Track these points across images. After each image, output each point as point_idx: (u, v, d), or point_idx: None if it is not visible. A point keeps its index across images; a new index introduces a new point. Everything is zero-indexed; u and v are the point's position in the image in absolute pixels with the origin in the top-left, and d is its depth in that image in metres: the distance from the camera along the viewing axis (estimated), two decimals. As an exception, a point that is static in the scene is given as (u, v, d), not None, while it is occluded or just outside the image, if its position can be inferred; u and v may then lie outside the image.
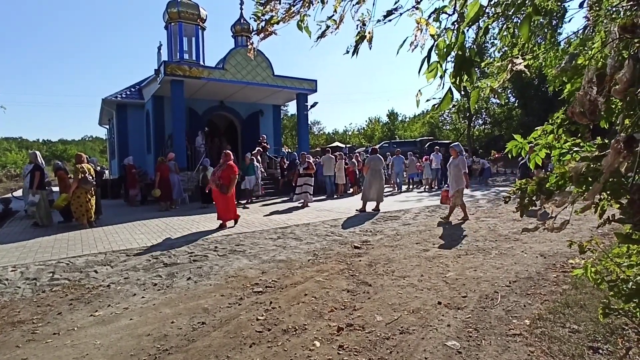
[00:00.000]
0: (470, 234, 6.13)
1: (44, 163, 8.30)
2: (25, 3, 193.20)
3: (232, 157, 7.26)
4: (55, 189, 9.59)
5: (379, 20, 1.88)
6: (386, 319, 2.95)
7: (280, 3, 1.93)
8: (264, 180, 12.72)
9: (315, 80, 15.21)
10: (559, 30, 17.44)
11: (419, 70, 1.65)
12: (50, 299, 3.60)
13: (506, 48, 3.31)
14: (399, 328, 2.79)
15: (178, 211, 9.73)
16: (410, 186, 15.91)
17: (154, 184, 10.23)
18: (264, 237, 6.18)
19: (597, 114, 1.25)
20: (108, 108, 16.21)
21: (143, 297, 3.58)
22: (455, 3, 1.66)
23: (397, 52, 1.81)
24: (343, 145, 29.32)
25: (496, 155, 23.86)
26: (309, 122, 27.51)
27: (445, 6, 1.71)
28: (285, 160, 14.14)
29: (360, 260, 4.69)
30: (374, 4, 1.93)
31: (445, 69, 1.62)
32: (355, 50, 1.98)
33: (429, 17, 1.73)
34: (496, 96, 1.90)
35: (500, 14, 2.04)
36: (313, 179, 10.47)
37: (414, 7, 1.80)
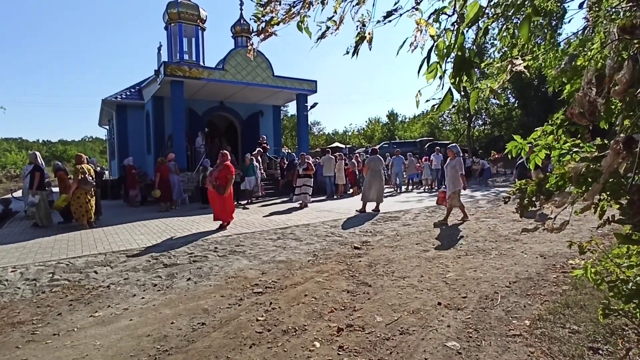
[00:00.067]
0: (470, 235, 6.13)
1: (43, 164, 8.30)
2: (25, 3, 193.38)
3: (229, 157, 7.23)
4: (55, 189, 9.60)
5: (378, 21, 1.88)
6: (386, 320, 2.95)
7: (280, 4, 1.93)
8: (264, 181, 12.72)
9: (315, 81, 15.23)
10: (558, 31, 17.46)
11: (418, 71, 1.65)
12: (50, 300, 3.59)
13: (506, 49, 3.32)
14: (399, 329, 2.79)
15: (178, 212, 9.73)
16: (410, 187, 15.92)
17: (154, 184, 10.23)
18: (264, 238, 6.17)
19: (597, 114, 1.25)
20: (108, 109, 16.22)
21: (143, 298, 3.58)
22: (455, 4, 1.67)
23: (397, 53, 1.81)
24: (343, 146, 29.34)
25: (496, 156, 23.87)
26: (309, 123, 27.52)
27: (445, 7, 1.71)
28: (285, 160, 14.14)
29: (360, 261, 4.69)
30: (373, 5, 1.93)
31: (445, 70, 1.62)
32: (355, 51, 1.98)
33: (429, 17, 1.74)
34: (496, 97, 1.90)
35: (499, 14, 2.05)
36: (312, 180, 10.47)
37: (413, 7, 1.81)
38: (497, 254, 4.87)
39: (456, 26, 1.61)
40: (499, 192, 13.24)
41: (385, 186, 10.12)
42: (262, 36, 2.00)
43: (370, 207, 8.94)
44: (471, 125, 30.72)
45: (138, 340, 2.71)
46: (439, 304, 3.25)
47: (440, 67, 1.62)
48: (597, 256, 2.04)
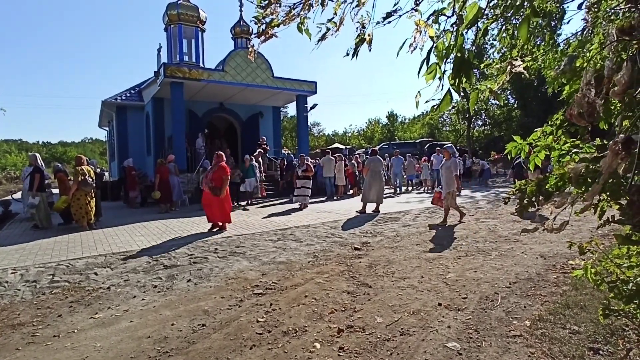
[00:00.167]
0: (470, 235, 6.13)
1: (43, 165, 8.31)
2: (25, 4, 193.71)
3: (224, 158, 7.18)
4: (55, 191, 9.59)
5: (378, 22, 1.89)
6: (386, 321, 2.95)
7: (280, 6, 1.94)
8: (263, 182, 12.73)
9: (315, 82, 15.24)
10: (558, 32, 17.49)
11: (418, 72, 1.65)
12: (50, 302, 3.59)
13: (505, 49, 3.32)
14: (399, 329, 2.79)
15: (178, 213, 9.73)
16: (410, 187, 15.92)
17: (153, 185, 10.23)
18: (264, 239, 6.17)
19: (596, 115, 1.26)
20: (108, 110, 16.23)
21: (143, 299, 3.57)
22: (454, 5, 1.67)
23: (397, 54, 1.81)
24: (343, 147, 29.34)
25: (496, 157, 23.90)
26: (309, 124, 27.53)
27: (444, 8, 1.72)
28: (285, 162, 14.15)
29: (360, 262, 4.69)
30: (373, 6, 1.94)
31: (445, 71, 1.62)
32: (355, 53, 1.98)
33: (428, 19, 1.74)
34: (495, 97, 1.91)
35: (499, 15, 2.05)
36: (311, 181, 10.47)
37: (413, 9, 1.81)
38: (497, 255, 4.87)
39: (455, 27, 1.61)
40: (499, 192, 13.24)
41: (385, 187, 10.13)
42: (262, 38, 2.01)
43: (370, 208, 8.94)
44: (471, 126, 30.72)
45: (138, 342, 2.71)
46: (439, 304, 3.25)
47: (440, 68, 1.62)
48: (597, 257, 2.04)
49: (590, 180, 1.38)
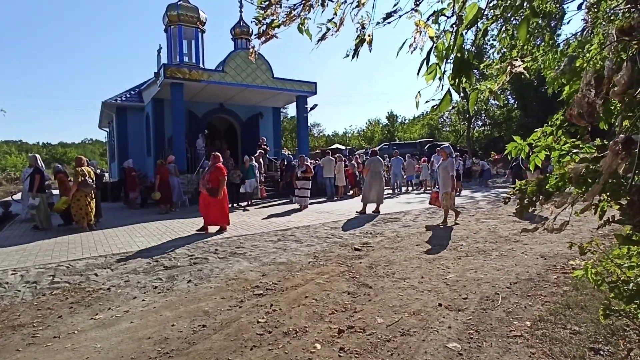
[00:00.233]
0: (470, 236, 6.13)
1: (44, 166, 8.31)
2: (25, 5, 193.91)
3: (220, 159, 7.15)
4: (55, 192, 9.60)
5: (378, 23, 1.89)
6: (387, 321, 2.95)
7: (281, 7, 1.94)
8: (264, 183, 12.73)
9: (315, 83, 15.25)
10: (557, 32, 17.49)
11: (418, 72, 1.65)
12: (51, 303, 3.59)
13: (505, 50, 3.33)
14: (399, 330, 2.79)
15: (178, 214, 9.73)
16: (410, 188, 15.92)
17: (153, 186, 10.23)
18: (264, 240, 6.17)
19: (596, 115, 1.26)
20: (108, 111, 16.24)
21: (143, 300, 3.57)
22: (454, 5, 1.67)
23: (397, 54, 1.81)
24: (343, 147, 29.33)
25: (496, 157, 23.92)
26: (309, 124, 27.56)
27: (444, 8, 1.72)
28: (285, 162, 14.16)
29: (360, 262, 4.69)
30: (373, 7, 1.94)
31: (444, 71, 1.63)
32: (356, 53, 1.98)
33: (428, 19, 1.74)
34: (495, 98, 1.91)
35: (498, 16, 2.05)
36: (310, 182, 10.47)
37: (413, 9, 1.81)
38: (498, 255, 4.87)
39: (455, 27, 1.61)
40: (499, 193, 13.25)
41: (385, 187, 10.13)
42: (263, 39, 2.01)
43: (370, 208, 8.94)
44: (471, 126, 30.74)
45: (139, 343, 2.70)
46: (440, 305, 3.24)
47: (440, 68, 1.62)
48: (598, 257, 2.04)
49: (590, 181, 1.38)
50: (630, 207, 1.24)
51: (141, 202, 11.87)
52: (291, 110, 45.60)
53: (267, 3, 1.91)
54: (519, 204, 1.68)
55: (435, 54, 1.62)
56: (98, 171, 10.25)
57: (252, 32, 16.16)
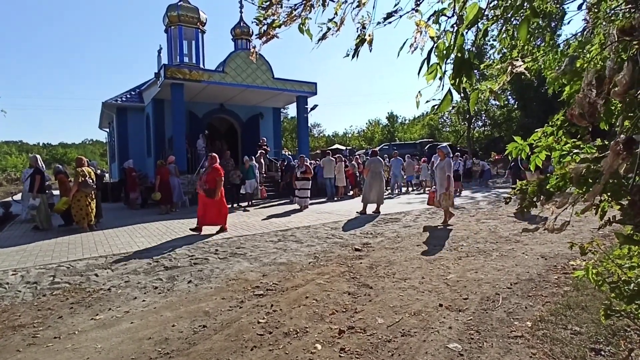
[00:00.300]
0: (470, 236, 6.12)
1: (44, 167, 8.31)
2: (25, 5, 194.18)
3: (217, 160, 7.11)
4: (56, 192, 9.60)
5: (379, 23, 1.89)
6: (387, 322, 2.95)
7: (282, 7, 1.94)
8: (264, 184, 12.73)
9: (315, 83, 15.25)
10: (558, 33, 17.50)
11: (418, 72, 1.66)
12: (51, 303, 3.59)
13: (505, 50, 3.32)
14: (400, 330, 2.79)
15: (178, 214, 9.73)
16: (409, 188, 15.91)
17: (154, 187, 10.23)
18: (265, 240, 6.17)
19: (597, 116, 1.26)
20: (108, 111, 16.25)
21: (144, 301, 3.57)
22: (455, 5, 1.67)
23: (398, 54, 1.81)
24: (343, 148, 29.33)
25: (496, 157, 23.93)
26: (309, 125, 27.55)
27: (444, 8, 1.72)
28: (285, 162, 14.16)
29: (361, 263, 4.68)
30: (374, 7, 1.94)
31: (445, 71, 1.63)
32: (356, 53, 1.98)
33: (429, 19, 1.74)
34: (496, 98, 1.91)
35: (499, 16, 2.05)
36: (310, 182, 10.47)
37: (413, 9, 1.81)
38: (498, 255, 4.86)
39: (456, 28, 1.61)
40: (500, 193, 13.24)
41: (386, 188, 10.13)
42: (264, 39, 2.01)
43: (370, 208, 8.94)
44: (471, 126, 30.75)
45: (139, 343, 2.70)
46: (441, 305, 3.24)
47: (440, 68, 1.62)
48: (599, 257, 2.04)
49: (591, 181, 1.38)
50: (631, 207, 1.24)
51: (141, 202, 11.87)
52: (291, 110, 45.63)
53: (268, 3, 1.91)
54: (519, 205, 1.68)
55: (436, 53, 1.62)
56: (98, 172, 10.25)
57: (252, 32, 16.18)
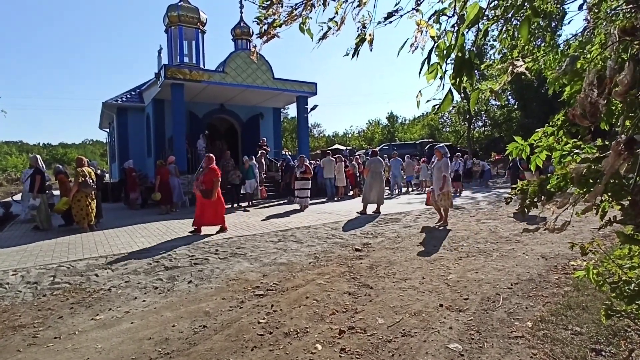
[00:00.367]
0: (471, 236, 6.12)
1: (44, 167, 8.31)
2: (25, 5, 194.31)
3: (214, 160, 7.11)
4: (56, 192, 9.60)
5: (379, 22, 1.89)
6: (388, 322, 2.94)
7: (282, 6, 1.94)
8: (265, 184, 12.72)
9: (315, 83, 15.25)
10: (558, 33, 17.50)
11: (419, 72, 1.65)
12: (51, 303, 3.59)
13: (506, 50, 3.32)
14: (400, 331, 2.79)
15: (178, 214, 9.73)
16: (409, 189, 15.91)
17: (154, 187, 10.24)
18: (265, 240, 6.17)
19: (598, 116, 1.26)
20: (108, 111, 16.26)
21: (144, 301, 3.57)
22: (455, 5, 1.67)
23: (398, 54, 1.81)
24: (343, 148, 29.33)
25: (496, 157, 23.93)
26: (309, 125, 27.56)
27: (445, 8, 1.72)
28: (284, 162, 14.16)
29: (361, 263, 4.68)
30: (374, 6, 1.94)
31: (445, 70, 1.62)
32: (356, 52, 1.98)
33: (429, 19, 1.74)
34: (496, 98, 1.91)
35: (499, 16, 2.05)
36: (310, 182, 10.47)
37: (414, 9, 1.81)
38: (499, 256, 4.86)
39: (456, 27, 1.61)
40: (500, 193, 13.24)
41: (385, 188, 10.12)
42: (264, 38, 2.01)
43: (371, 209, 8.94)
44: (471, 126, 30.74)
45: (139, 344, 2.70)
46: (441, 305, 3.24)
47: (441, 67, 1.62)
48: (599, 257, 2.03)
49: (592, 181, 1.38)
50: (632, 207, 1.23)
51: (141, 202, 11.87)
52: (291, 110, 45.63)
53: (268, 2, 1.91)
54: (520, 205, 1.67)
55: (437, 53, 1.62)
56: (98, 172, 10.25)
57: (252, 32, 16.18)
